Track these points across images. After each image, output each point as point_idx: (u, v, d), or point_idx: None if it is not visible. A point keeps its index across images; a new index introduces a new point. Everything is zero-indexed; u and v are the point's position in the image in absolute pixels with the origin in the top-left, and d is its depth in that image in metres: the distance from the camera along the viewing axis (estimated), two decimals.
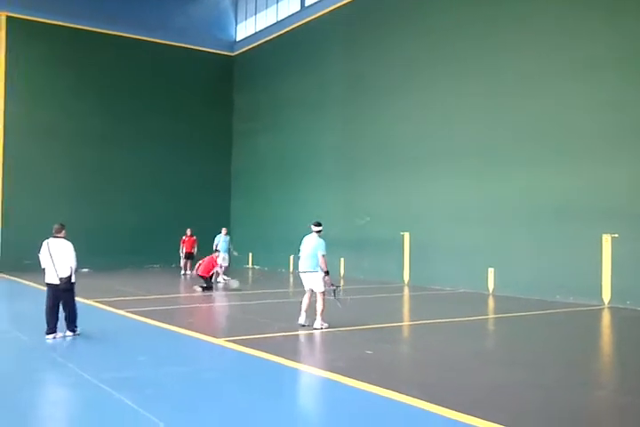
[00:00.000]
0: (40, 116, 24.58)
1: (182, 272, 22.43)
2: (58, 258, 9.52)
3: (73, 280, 9.66)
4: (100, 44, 25.89)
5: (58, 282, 9.53)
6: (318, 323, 10.64)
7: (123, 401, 6.18)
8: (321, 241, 10.84)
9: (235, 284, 17.41)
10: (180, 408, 6.04)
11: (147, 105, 26.88)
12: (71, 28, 25.29)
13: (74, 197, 24.84)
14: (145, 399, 6.26)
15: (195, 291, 16.90)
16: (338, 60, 23.14)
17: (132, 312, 12.41)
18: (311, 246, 10.84)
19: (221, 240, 20.34)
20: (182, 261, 22.79)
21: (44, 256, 9.63)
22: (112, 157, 25.95)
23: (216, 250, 19.11)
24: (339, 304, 11.30)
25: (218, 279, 18.34)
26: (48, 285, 9.71)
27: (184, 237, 22.82)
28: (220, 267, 18.36)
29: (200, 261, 17.83)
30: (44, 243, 9.70)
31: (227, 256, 19.53)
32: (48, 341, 9.54)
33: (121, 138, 26.22)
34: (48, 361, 8.31)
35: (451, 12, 18.59)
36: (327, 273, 10.74)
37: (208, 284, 17.19)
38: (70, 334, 9.86)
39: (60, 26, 25.03)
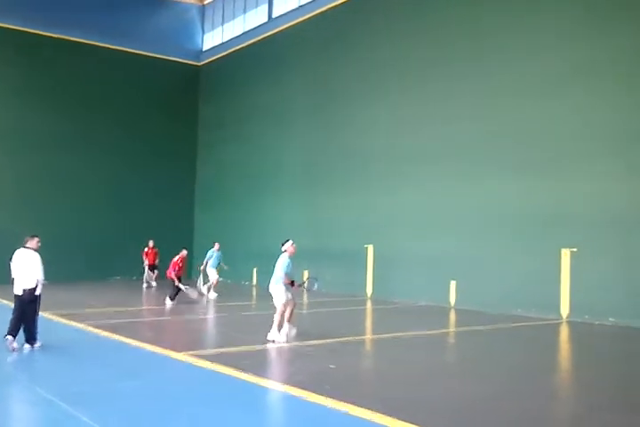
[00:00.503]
0: None
1: (145, 285, 22.12)
2: (23, 269, 9.39)
3: (38, 293, 9.46)
4: (65, 51, 25.51)
5: (21, 293, 9.40)
6: (271, 335, 10.73)
7: (79, 418, 6.05)
8: (283, 260, 11.09)
9: (194, 294, 17.09)
10: (136, 424, 5.93)
11: (110, 113, 26.53)
12: (32, 33, 24.89)
13: (29, 207, 24.33)
14: (101, 415, 6.14)
15: (165, 304, 16.50)
16: (304, 72, 23.24)
17: (91, 325, 12.20)
18: (276, 264, 11.15)
19: (214, 256, 19.51)
20: (146, 273, 22.48)
21: (13, 266, 9.50)
22: (72, 167, 25.45)
23: (205, 263, 19.22)
24: (309, 286, 12.10)
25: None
26: (15, 295, 9.54)
27: (146, 249, 22.58)
28: (210, 283, 18.80)
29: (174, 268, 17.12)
30: (15, 253, 9.59)
31: (215, 271, 19.17)
32: (6, 341, 9.35)
33: (82, 147, 25.74)
34: (2, 375, 8.09)
35: (418, 20, 18.83)
36: (293, 283, 11.02)
37: (172, 291, 16.65)
38: (28, 346, 9.66)
39: (19, 31, 24.60)
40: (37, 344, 9.73)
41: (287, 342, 10.68)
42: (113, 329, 11.57)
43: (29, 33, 24.81)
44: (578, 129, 14.59)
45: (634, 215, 13.45)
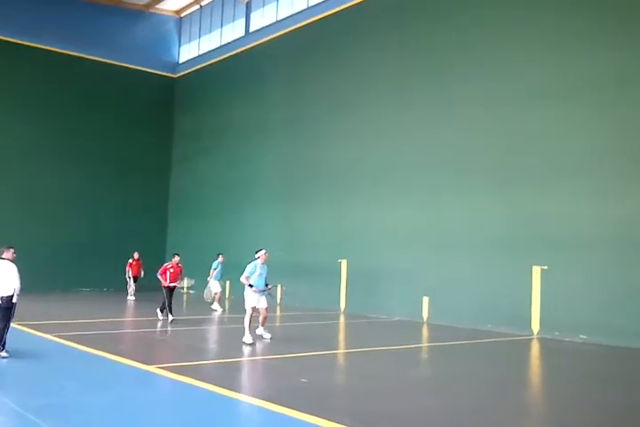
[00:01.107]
0: None
1: (128, 297, 21.79)
2: (1, 278, 9.71)
3: (14, 301, 9.79)
4: (39, 61, 25.31)
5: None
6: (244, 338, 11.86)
7: None
8: (250, 266, 12.46)
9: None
10: None
11: (83, 123, 26.29)
12: (6, 41, 24.60)
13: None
14: None
15: (159, 318, 15.57)
16: (280, 85, 23.33)
17: (59, 337, 11.99)
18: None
19: (219, 268, 18.97)
20: (130, 285, 22.19)
21: None
22: (41, 176, 25.11)
23: (211, 275, 18.90)
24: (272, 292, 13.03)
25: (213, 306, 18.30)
26: None
27: (131, 261, 22.32)
28: (213, 294, 18.63)
29: (163, 271, 15.48)
30: None
31: (218, 284, 19.01)
32: None
33: (53, 158, 25.40)
34: None
35: (392, 33, 19.06)
36: (251, 286, 12.19)
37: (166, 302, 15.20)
38: None
39: None
40: (4, 353, 9.67)
41: (253, 343, 11.70)
42: (82, 341, 11.38)
43: (3, 41, 24.55)
44: (552, 149, 14.76)
45: (604, 234, 13.64)
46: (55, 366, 9.49)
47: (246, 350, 11.21)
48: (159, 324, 15.06)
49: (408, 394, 8.16)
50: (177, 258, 15.71)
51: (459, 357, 11.68)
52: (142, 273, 22.01)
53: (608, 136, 13.89)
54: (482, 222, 16.00)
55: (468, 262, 16.19)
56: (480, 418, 6.97)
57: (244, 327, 11.92)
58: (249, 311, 12.02)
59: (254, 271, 12.29)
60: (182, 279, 16.55)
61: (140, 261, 22.26)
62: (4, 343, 9.76)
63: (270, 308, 18.72)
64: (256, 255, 12.66)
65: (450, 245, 16.66)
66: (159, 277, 15.35)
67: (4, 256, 10.05)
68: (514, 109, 15.66)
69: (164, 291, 15.22)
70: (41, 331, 12.61)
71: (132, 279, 22.08)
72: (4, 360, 9.47)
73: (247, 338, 11.73)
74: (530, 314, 14.66)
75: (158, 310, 15.77)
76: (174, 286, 15.51)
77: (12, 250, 10.15)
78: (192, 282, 15.95)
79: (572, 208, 14.24)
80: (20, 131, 24.77)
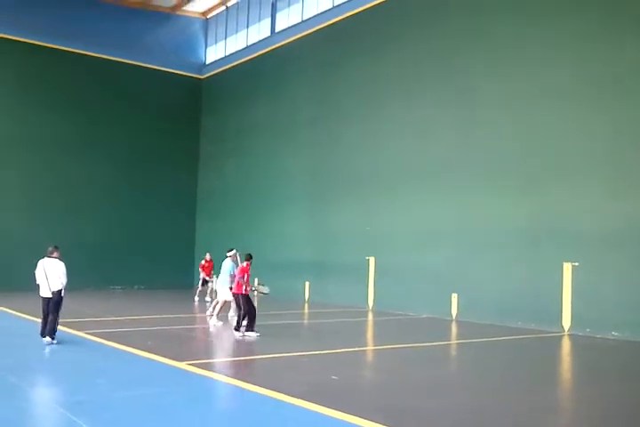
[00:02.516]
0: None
1: (197, 299, 20.71)
2: (51, 275, 11.01)
3: (63, 294, 11.12)
4: (68, 63, 25.75)
5: (50, 295, 10.98)
6: (211, 321, 14.16)
7: (80, 425, 6.04)
8: (227, 265, 14.42)
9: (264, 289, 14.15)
10: None
11: (113, 124, 26.71)
12: (39, 45, 25.13)
13: (29, 213, 24.46)
14: (102, 423, 6.13)
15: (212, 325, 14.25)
16: (307, 85, 23.37)
17: (92, 334, 12.18)
18: (222, 268, 14.50)
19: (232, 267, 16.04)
20: (199, 288, 21.04)
21: (38, 274, 11.10)
22: (74, 176, 25.61)
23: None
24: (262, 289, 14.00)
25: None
26: (42, 298, 11.12)
27: (203, 262, 20.76)
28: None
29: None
30: (40, 262, 11.17)
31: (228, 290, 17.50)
32: (45, 340, 10.92)
33: (85, 158, 25.90)
34: (3, 382, 8.08)
35: (417, 33, 18.99)
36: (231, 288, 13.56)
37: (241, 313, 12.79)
38: (49, 340, 10.96)
39: (24, 42, 24.83)
40: (54, 341, 10.98)
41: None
42: (113, 338, 11.55)
43: (35, 44, 25.04)
44: (581, 145, 14.62)
45: (636, 231, 13.46)
46: (87, 364, 9.64)
47: (276, 347, 11.28)
48: (190, 321, 15.20)
49: (438, 391, 8.14)
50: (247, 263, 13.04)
51: (488, 354, 11.61)
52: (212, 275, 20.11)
53: (633, 133, 13.71)
54: (511, 220, 15.86)
55: (498, 260, 16.08)
56: (509, 415, 6.93)
57: (212, 315, 14.29)
58: (222, 303, 14.38)
59: (232, 269, 14.09)
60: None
61: (212, 263, 20.40)
62: (55, 333, 11.03)
63: (299, 306, 18.91)
64: (228, 254, 14.51)
65: (479, 242, 16.56)
66: (240, 280, 12.61)
67: (53, 255, 11.24)
68: (539, 108, 15.50)
69: (243, 299, 12.53)
70: (73, 328, 12.81)
71: (201, 281, 20.72)
72: (39, 357, 9.65)
73: (215, 322, 14.06)
74: (560, 311, 14.51)
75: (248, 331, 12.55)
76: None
77: (58, 250, 11.38)
78: (266, 289, 13.82)
79: (603, 205, 14.06)
80: (53, 131, 25.22)
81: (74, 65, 25.88)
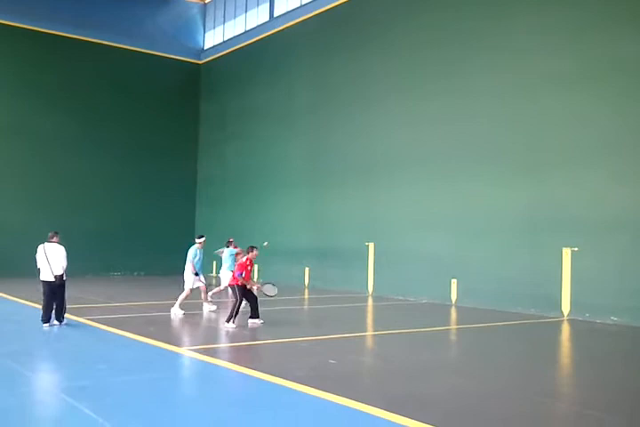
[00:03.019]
0: None
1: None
2: (52, 259, 11.26)
3: (64, 278, 11.39)
4: (65, 49, 25.61)
5: (53, 279, 11.26)
6: (173, 309, 13.70)
7: (82, 410, 6.07)
8: (192, 251, 14.04)
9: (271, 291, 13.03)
10: (139, 418, 5.95)
11: (111, 110, 26.63)
12: (34, 30, 24.96)
13: (29, 201, 24.45)
14: (104, 408, 6.15)
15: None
16: (306, 71, 23.26)
17: (92, 320, 12.22)
18: (187, 255, 14.10)
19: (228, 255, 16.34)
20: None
21: (39, 258, 11.32)
22: (73, 163, 25.59)
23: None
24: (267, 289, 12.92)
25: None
26: (43, 282, 11.38)
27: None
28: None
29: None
30: (40, 247, 11.38)
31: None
32: (45, 328, 11.19)
33: (83, 145, 25.86)
34: (4, 368, 8.10)
35: (418, 21, 18.85)
36: (197, 274, 13.96)
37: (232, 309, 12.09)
38: (57, 323, 11.44)
39: (20, 28, 24.70)
40: (65, 321, 11.57)
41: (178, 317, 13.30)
42: (114, 324, 11.59)
43: (30, 30, 24.93)
44: (580, 131, 14.58)
45: (636, 215, 13.46)
46: (89, 349, 9.67)
47: (276, 333, 11.31)
48: (189, 307, 15.22)
49: (438, 376, 8.17)
50: (255, 252, 12.45)
51: (488, 339, 11.65)
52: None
53: (631, 120, 13.68)
54: (511, 205, 15.86)
55: (497, 245, 16.10)
56: (509, 399, 6.97)
57: (179, 303, 13.68)
58: (187, 292, 13.90)
59: (198, 256, 14.01)
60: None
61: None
62: (64, 314, 11.58)
63: (299, 291, 18.90)
64: (198, 240, 14.25)
65: (478, 227, 16.57)
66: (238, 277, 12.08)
67: (53, 240, 11.48)
68: (537, 95, 15.45)
69: (239, 291, 12.03)
70: (74, 315, 12.84)
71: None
72: (40, 343, 9.68)
73: (178, 311, 13.63)
74: (560, 296, 14.55)
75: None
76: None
77: (58, 235, 11.63)
78: (273, 291, 12.92)
79: (603, 190, 14.06)
80: (48, 117, 25.16)
81: (69, 50, 25.73)
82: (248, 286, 12.13)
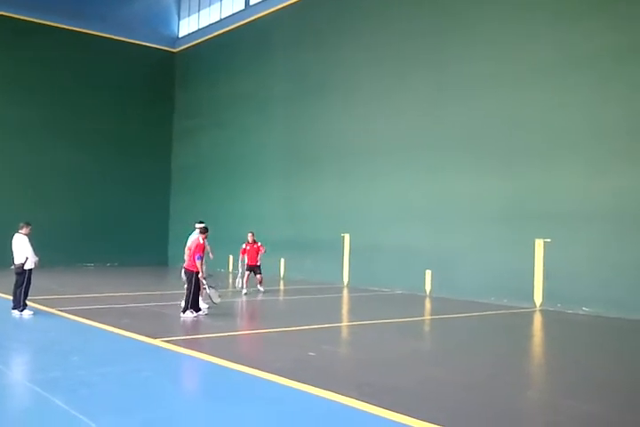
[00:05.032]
0: None
1: (244, 291, 16.25)
2: (14, 249, 11.70)
3: (26, 267, 11.59)
4: (36, 35, 25.02)
5: (14, 268, 11.70)
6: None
7: (54, 402, 5.98)
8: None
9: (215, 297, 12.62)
10: (113, 410, 5.89)
11: (82, 98, 26.14)
12: (5, 16, 24.39)
13: (1, 191, 24.05)
14: (77, 400, 6.07)
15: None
16: (282, 59, 23.11)
17: (64, 311, 12.07)
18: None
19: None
20: (241, 276, 16.88)
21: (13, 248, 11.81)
22: (43, 154, 25.06)
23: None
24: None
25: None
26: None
27: (244, 245, 16.94)
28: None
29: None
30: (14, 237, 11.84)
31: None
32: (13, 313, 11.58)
33: (52, 133, 25.36)
34: None
35: (396, 10, 18.80)
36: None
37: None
38: (16, 312, 11.59)
39: None
40: (30, 312, 11.55)
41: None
42: (87, 315, 11.46)
43: (8, 17, 24.29)
44: (557, 122, 14.67)
45: (607, 207, 13.63)
46: (61, 341, 9.55)
47: (251, 323, 11.28)
48: (162, 298, 15.13)
49: (413, 366, 8.21)
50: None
51: (462, 329, 11.75)
52: (259, 259, 16.88)
53: (607, 111, 13.80)
54: (484, 196, 15.96)
55: (471, 236, 16.21)
56: (484, 389, 7.03)
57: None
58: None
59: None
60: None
61: (260, 244, 16.91)
62: (22, 303, 11.59)
63: (274, 282, 18.91)
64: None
65: (452, 219, 16.66)
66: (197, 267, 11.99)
67: (20, 231, 11.80)
68: (514, 87, 15.54)
69: (195, 278, 11.95)
70: (46, 306, 12.68)
71: (245, 268, 16.84)
72: (12, 334, 9.53)
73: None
74: (532, 286, 14.71)
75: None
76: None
77: (29, 226, 11.92)
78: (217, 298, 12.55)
79: (575, 182, 14.21)
80: (15, 109, 24.59)
81: (39, 37, 25.07)
82: (200, 275, 11.77)
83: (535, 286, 14.68)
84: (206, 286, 12.22)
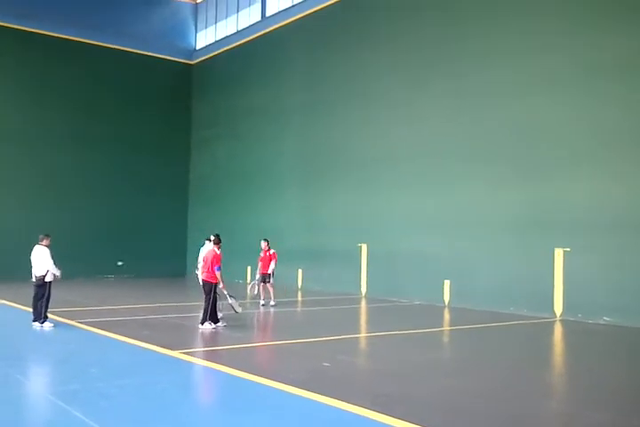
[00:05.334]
0: None
1: (262, 302, 16.17)
2: (34, 261, 11.65)
3: (47, 280, 11.57)
4: (55, 49, 25.43)
5: (34, 280, 11.68)
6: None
7: (74, 414, 6.02)
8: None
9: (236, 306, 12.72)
10: (131, 422, 5.91)
11: (104, 111, 26.49)
12: (25, 30, 24.79)
13: (20, 205, 24.32)
14: (96, 412, 6.11)
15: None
16: (298, 70, 23.23)
17: (84, 323, 12.15)
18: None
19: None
20: (255, 285, 16.67)
21: (32, 259, 11.77)
22: (64, 164, 25.40)
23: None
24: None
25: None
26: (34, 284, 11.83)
27: (261, 253, 16.54)
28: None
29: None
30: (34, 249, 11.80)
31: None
32: (36, 328, 11.47)
33: (73, 145, 25.66)
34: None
35: (412, 20, 18.84)
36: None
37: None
38: (37, 324, 11.54)
39: (10, 28, 24.50)
40: (42, 324, 11.51)
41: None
42: (106, 327, 11.52)
43: (20, 30, 24.72)
44: (575, 132, 14.58)
45: (627, 216, 13.50)
46: (80, 353, 9.61)
47: (269, 335, 11.29)
48: (184, 310, 15.17)
49: (429, 377, 8.17)
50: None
51: (481, 340, 11.66)
52: (273, 268, 16.34)
53: (626, 121, 13.71)
54: (503, 206, 15.87)
55: (490, 246, 16.11)
56: (502, 400, 6.96)
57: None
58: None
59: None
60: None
61: (273, 252, 16.50)
62: (43, 315, 11.57)
63: (291, 293, 18.89)
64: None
65: (471, 229, 16.57)
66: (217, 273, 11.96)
67: (41, 243, 11.78)
68: (533, 95, 15.45)
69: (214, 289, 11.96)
70: (66, 318, 12.77)
71: (260, 276, 16.43)
72: (33, 347, 9.61)
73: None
74: (552, 296, 14.57)
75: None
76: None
77: (49, 238, 11.91)
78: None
79: (597, 191, 14.08)
80: (38, 117, 24.99)
81: (60, 51, 25.55)
82: (221, 286, 11.88)
83: (555, 296, 14.55)
84: (227, 296, 12.27)
